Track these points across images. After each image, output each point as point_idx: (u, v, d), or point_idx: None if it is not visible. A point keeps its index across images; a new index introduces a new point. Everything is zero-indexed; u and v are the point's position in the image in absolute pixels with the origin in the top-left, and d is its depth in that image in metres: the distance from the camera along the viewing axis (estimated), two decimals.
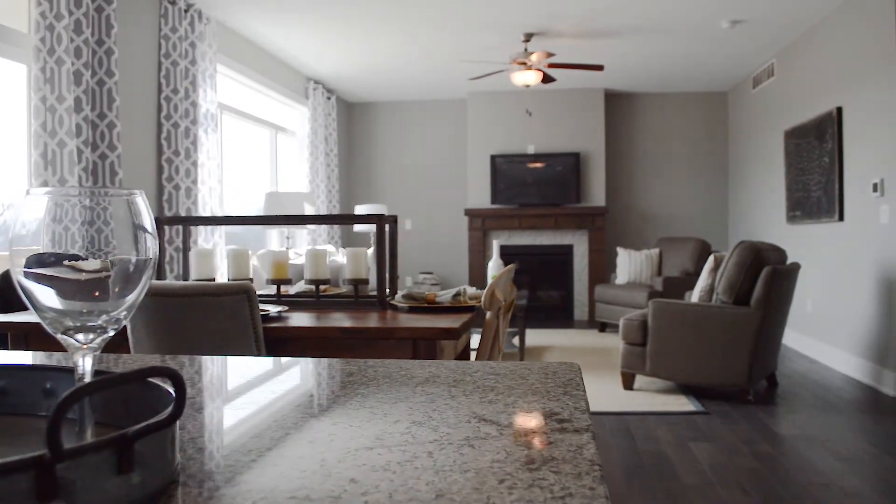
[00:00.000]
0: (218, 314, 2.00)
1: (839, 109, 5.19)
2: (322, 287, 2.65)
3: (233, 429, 0.68)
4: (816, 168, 5.58)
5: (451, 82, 7.78)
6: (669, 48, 6.41)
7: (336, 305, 2.54)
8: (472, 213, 8.15)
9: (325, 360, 1.01)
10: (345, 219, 2.69)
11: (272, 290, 2.68)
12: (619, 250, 7.42)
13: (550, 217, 8.07)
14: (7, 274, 2.56)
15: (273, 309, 2.30)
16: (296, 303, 2.59)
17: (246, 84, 6.17)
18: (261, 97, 6.59)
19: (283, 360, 1.02)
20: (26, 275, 0.50)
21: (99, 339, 0.52)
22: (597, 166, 8.13)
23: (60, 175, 3.59)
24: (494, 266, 4.91)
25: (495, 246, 6.02)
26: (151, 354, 1.25)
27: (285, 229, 5.65)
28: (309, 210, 5.15)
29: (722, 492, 2.87)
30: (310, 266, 2.53)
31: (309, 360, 1.02)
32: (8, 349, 2.29)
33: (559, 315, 8.30)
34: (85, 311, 0.51)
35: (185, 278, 2.80)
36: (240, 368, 0.97)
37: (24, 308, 2.36)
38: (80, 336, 0.51)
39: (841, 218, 5.19)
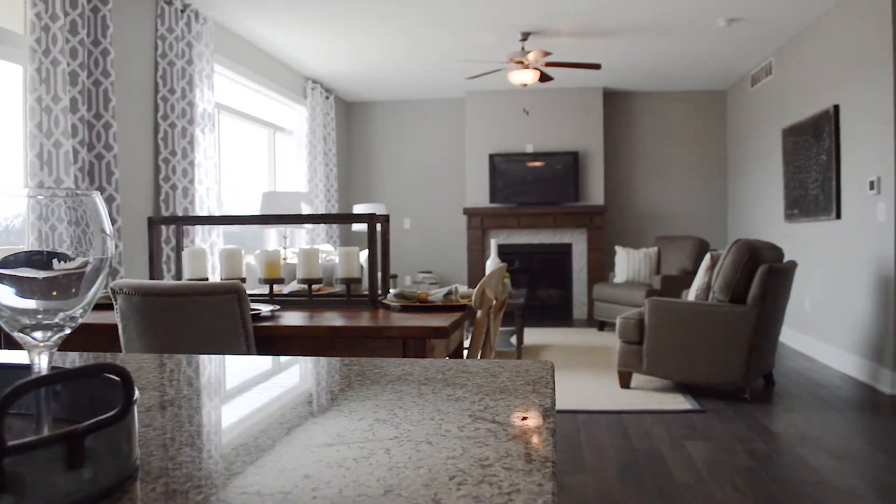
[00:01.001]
0: (208, 313, 2.01)
1: (836, 107, 5.19)
2: (316, 286, 2.65)
3: (197, 426, 0.68)
4: (814, 166, 5.57)
5: (449, 81, 7.79)
6: (667, 47, 6.41)
7: (328, 305, 2.55)
8: (470, 213, 8.15)
9: (302, 359, 1.01)
10: (336, 218, 2.69)
11: (267, 289, 2.69)
12: (618, 249, 7.42)
13: (549, 216, 8.07)
14: None
15: (265, 308, 2.31)
16: (288, 302, 2.59)
17: (244, 84, 6.17)
18: (259, 97, 6.60)
19: (262, 358, 1.03)
20: None
21: (56, 337, 0.53)
22: (595, 165, 8.13)
23: (56, 175, 3.60)
24: (492, 265, 4.92)
25: (493, 245, 6.02)
26: (142, 354, 1.26)
27: (283, 229, 5.66)
28: (306, 210, 5.16)
29: (715, 490, 2.87)
30: (302, 265, 2.53)
31: (287, 358, 1.03)
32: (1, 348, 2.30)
33: (558, 314, 8.30)
34: (42, 309, 0.51)
35: (180, 278, 2.81)
36: (218, 367, 0.98)
37: None
38: (38, 334, 0.52)
39: (838, 216, 5.18)
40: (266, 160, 6.91)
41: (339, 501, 0.46)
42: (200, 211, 4.96)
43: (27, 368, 0.63)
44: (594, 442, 3.55)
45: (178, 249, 2.81)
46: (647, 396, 4.40)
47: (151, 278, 2.70)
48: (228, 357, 1.03)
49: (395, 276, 7.90)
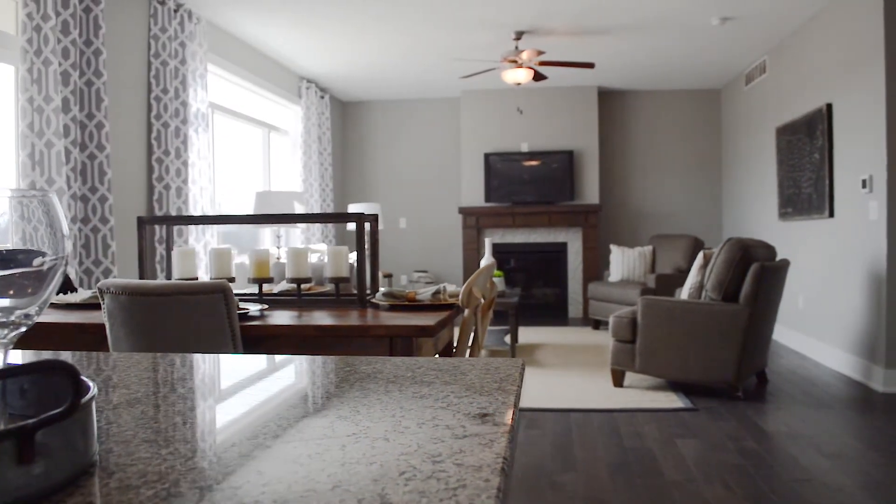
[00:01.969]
0: (195, 313, 2.01)
1: (829, 106, 5.20)
2: (306, 286, 2.66)
3: (162, 423, 0.69)
4: (807, 164, 5.59)
5: (444, 81, 7.79)
6: (661, 45, 6.42)
7: (317, 304, 2.56)
8: (466, 212, 8.16)
9: (277, 357, 1.02)
10: (324, 218, 2.70)
11: (256, 288, 2.70)
12: (613, 248, 7.43)
13: (544, 215, 8.08)
14: None
15: (253, 307, 2.31)
16: (277, 301, 2.60)
17: (238, 83, 6.17)
18: (253, 96, 6.60)
19: (237, 357, 1.04)
20: None
21: (11, 335, 0.53)
22: (590, 164, 8.14)
23: (48, 176, 3.60)
24: (487, 264, 4.92)
25: (487, 244, 6.02)
26: (127, 353, 1.26)
27: (277, 229, 5.66)
28: (299, 210, 5.16)
29: (705, 488, 2.88)
30: (291, 265, 2.54)
31: (262, 356, 1.04)
32: None
33: (553, 313, 8.32)
34: None
35: (170, 278, 2.81)
36: (191, 365, 0.99)
37: None
38: None
39: (831, 214, 5.20)
40: (261, 160, 6.91)
41: (286, 496, 0.47)
42: (194, 211, 4.97)
43: None
44: (586, 440, 3.56)
45: (168, 249, 2.81)
46: (640, 395, 4.41)
47: (141, 278, 2.71)
48: (201, 356, 1.04)
49: (390, 276, 7.91)
